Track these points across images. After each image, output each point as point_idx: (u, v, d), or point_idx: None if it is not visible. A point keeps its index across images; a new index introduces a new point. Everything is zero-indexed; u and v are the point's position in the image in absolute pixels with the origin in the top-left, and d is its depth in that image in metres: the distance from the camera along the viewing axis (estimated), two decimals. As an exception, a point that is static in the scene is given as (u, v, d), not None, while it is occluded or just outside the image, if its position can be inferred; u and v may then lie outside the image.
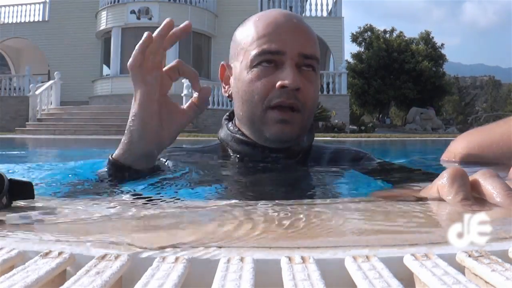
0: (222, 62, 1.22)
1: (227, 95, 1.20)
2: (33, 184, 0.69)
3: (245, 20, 1.19)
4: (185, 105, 0.99)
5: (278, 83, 1.06)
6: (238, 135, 1.17)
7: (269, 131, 1.09)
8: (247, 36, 1.12)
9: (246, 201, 0.75)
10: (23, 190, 0.67)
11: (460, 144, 1.34)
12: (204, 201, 0.81)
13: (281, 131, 1.08)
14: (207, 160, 1.22)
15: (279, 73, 1.07)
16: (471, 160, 1.28)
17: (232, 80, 1.16)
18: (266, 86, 1.07)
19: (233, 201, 0.75)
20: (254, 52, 1.09)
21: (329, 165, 1.25)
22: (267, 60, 1.08)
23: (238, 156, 1.17)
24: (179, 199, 0.80)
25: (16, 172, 1.33)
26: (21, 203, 0.69)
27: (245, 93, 1.10)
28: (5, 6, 17.92)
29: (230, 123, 1.22)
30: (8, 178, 0.65)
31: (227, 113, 1.26)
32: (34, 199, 0.70)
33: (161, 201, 0.75)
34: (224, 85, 1.22)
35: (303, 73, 1.10)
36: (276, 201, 0.76)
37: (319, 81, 1.19)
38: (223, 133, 1.22)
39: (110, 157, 0.99)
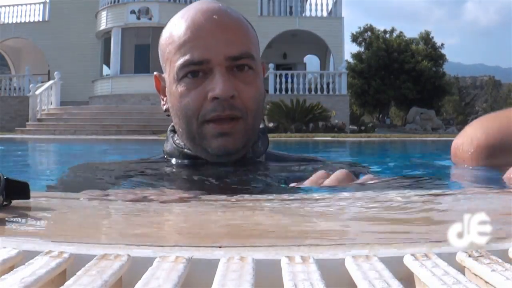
0: (154, 73, 1.10)
1: (164, 109, 1.08)
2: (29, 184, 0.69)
3: (168, 23, 1.06)
4: None
5: (209, 95, 0.95)
6: (186, 150, 1.06)
7: (210, 146, 0.99)
8: (169, 44, 1.01)
9: (243, 197, 0.75)
10: (19, 190, 0.67)
11: (479, 130, 1.28)
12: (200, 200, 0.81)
13: (223, 145, 0.98)
14: (158, 173, 1.11)
15: (208, 83, 0.96)
16: (490, 144, 1.23)
17: (166, 92, 1.06)
18: (197, 100, 0.97)
19: (231, 197, 0.75)
20: (177, 63, 0.98)
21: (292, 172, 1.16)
22: (192, 72, 0.97)
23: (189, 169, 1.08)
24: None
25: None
26: (21, 203, 0.69)
27: (178, 108, 1.00)
28: (5, 6, 17.90)
29: (176, 135, 1.10)
30: (5, 177, 0.65)
31: (172, 124, 1.12)
32: (30, 199, 0.70)
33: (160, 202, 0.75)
34: (162, 97, 1.09)
35: (238, 76, 0.98)
36: (272, 196, 0.76)
37: (260, 77, 1.05)
38: (169, 146, 1.11)
39: None
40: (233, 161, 1.04)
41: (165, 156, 1.13)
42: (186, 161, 1.08)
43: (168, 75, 1.02)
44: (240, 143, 1.01)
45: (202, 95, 0.97)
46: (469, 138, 1.28)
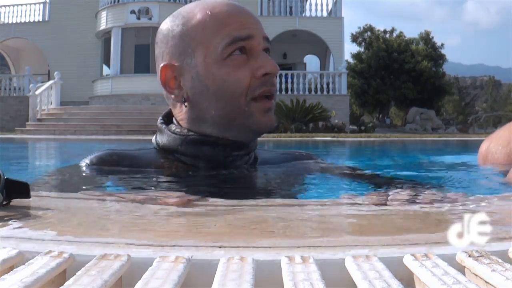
0: (163, 64, 1.07)
1: (182, 99, 1.06)
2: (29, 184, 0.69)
3: (184, 14, 1.08)
4: None
5: (261, 71, 1.01)
6: (193, 136, 1.06)
7: (256, 123, 1.04)
8: (204, 28, 1.03)
9: (242, 201, 0.75)
10: (19, 190, 0.67)
11: None
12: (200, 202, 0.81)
13: (269, 121, 1.05)
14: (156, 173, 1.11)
15: (254, 61, 1.02)
16: None
17: (189, 80, 1.04)
18: (246, 77, 1.01)
19: (229, 201, 0.75)
20: (223, 42, 1.01)
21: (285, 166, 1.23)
22: (240, 48, 1.01)
23: (189, 160, 1.08)
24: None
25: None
26: (21, 203, 0.69)
27: (221, 89, 1.02)
28: (5, 6, 17.89)
29: (173, 125, 1.10)
30: (5, 177, 0.65)
31: (161, 117, 1.14)
32: (30, 199, 0.69)
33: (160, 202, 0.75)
34: (169, 89, 1.08)
35: None
36: (269, 199, 0.76)
37: None
38: (165, 138, 1.10)
39: None
40: (242, 146, 1.08)
41: (156, 148, 1.13)
42: (187, 150, 1.07)
43: (204, 59, 1.03)
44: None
45: (249, 73, 1.02)
46: (504, 141, 1.32)
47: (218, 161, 1.07)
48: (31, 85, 13.50)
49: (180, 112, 1.09)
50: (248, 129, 1.05)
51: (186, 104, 1.07)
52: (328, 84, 14.23)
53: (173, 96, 1.08)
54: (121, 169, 1.10)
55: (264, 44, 1.05)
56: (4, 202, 0.65)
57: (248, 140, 1.09)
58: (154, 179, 1.08)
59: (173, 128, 1.10)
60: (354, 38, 22.41)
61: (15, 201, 0.68)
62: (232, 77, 1.01)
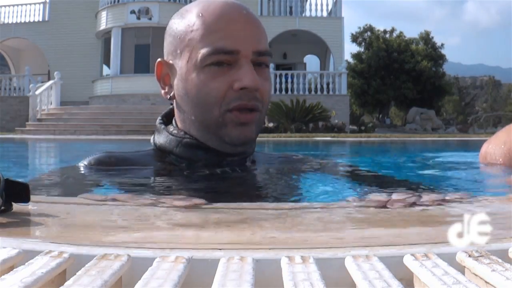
0: (158, 60, 1.08)
1: (168, 97, 1.07)
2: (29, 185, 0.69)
3: (183, 12, 1.06)
4: None
5: (237, 85, 0.96)
6: (187, 139, 1.05)
7: (228, 135, 1.00)
8: (192, 31, 1.00)
9: (241, 203, 0.75)
10: (19, 191, 0.67)
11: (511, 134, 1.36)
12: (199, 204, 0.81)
13: (242, 135, 1.00)
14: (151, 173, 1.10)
15: (234, 73, 0.97)
16: None
17: (176, 80, 1.04)
18: (222, 88, 0.97)
19: (229, 203, 0.75)
20: (204, 50, 0.97)
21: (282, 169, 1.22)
22: (221, 60, 0.97)
23: (185, 162, 1.06)
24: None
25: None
26: (20, 204, 0.69)
27: (197, 96, 0.99)
28: (5, 6, 17.89)
29: (171, 126, 1.10)
30: (4, 178, 0.64)
31: (160, 117, 1.13)
32: (30, 200, 0.69)
33: (160, 202, 0.75)
34: (163, 85, 1.08)
35: (257, 71, 1.00)
36: (269, 203, 0.76)
37: (270, 76, 1.09)
38: (162, 138, 1.09)
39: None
40: (233, 154, 1.05)
41: (154, 149, 1.12)
42: (182, 153, 1.06)
43: (187, 62, 1.01)
44: (255, 134, 1.03)
45: (227, 84, 0.97)
46: (501, 142, 1.35)
47: (213, 165, 1.05)
48: (31, 85, 13.50)
49: (176, 112, 1.10)
50: (222, 140, 1.02)
51: (171, 102, 1.07)
52: (328, 84, 14.22)
53: (163, 91, 1.08)
54: (119, 170, 1.10)
55: (252, 57, 0.98)
56: (2, 207, 0.64)
57: (227, 151, 1.04)
58: (152, 181, 1.08)
59: (171, 129, 1.09)
60: (354, 38, 22.41)
61: (15, 203, 0.68)
62: (208, 86, 0.98)
